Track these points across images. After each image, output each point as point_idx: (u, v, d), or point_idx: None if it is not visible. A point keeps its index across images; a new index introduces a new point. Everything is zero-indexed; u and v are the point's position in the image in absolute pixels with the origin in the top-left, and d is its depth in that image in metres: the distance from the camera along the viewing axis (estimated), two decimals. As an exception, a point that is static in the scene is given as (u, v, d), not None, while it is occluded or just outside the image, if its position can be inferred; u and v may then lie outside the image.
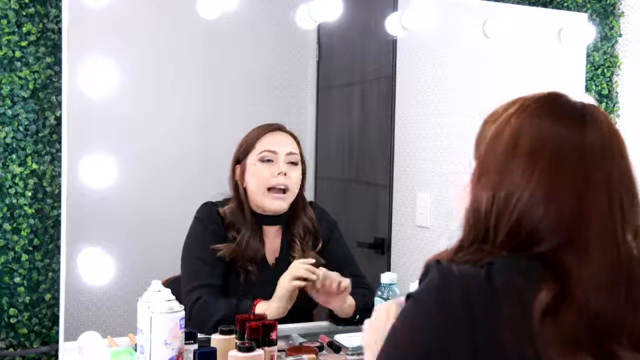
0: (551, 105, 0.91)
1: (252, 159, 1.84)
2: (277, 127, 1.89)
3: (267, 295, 1.72)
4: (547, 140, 0.87)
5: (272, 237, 1.88)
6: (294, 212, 1.88)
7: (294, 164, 1.85)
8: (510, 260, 0.84)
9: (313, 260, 1.72)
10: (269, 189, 1.81)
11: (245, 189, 1.84)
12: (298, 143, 1.89)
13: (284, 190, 1.82)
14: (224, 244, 1.80)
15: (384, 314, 1.06)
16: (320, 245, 1.90)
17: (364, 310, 1.77)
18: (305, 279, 1.67)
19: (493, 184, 0.88)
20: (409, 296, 0.88)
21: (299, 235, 1.87)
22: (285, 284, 1.68)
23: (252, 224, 1.83)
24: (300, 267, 1.69)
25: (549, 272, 0.82)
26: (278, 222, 1.87)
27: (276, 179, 1.80)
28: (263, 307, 1.68)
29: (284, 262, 1.83)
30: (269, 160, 1.82)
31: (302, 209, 1.89)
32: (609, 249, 0.84)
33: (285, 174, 1.81)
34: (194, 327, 1.55)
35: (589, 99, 0.93)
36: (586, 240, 0.84)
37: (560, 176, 0.86)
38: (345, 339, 1.69)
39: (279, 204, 1.82)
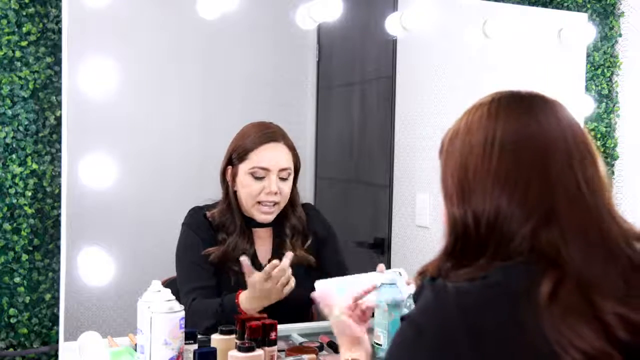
0: (498, 99, 0.93)
1: (243, 169, 1.81)
2: (273, 138, 1.82)
3: None
4: (497, 125, 0.89)
5: (264, 239, 1.88)
6: (284, 214, 1.87)
7: (286, 178, 1.83)
8: (505, 269, 0.84)
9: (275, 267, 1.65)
10: (259, 202, 1.81)
11: (235, 192, 1.84)
12: (293, 151, 1.86)
13: (274, 204, 1.82)
14: (213, 247, 1.80)
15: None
16: (309, 242, 1.89)
17: None
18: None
19: (458, 184, 0.90)
20: (403, 318, 0.88)
21: (288, 236, 1.87)
22: (274, 295, 1.65)
23: (241, 225, 1.83)
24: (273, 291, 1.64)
25: (544, 262, 0.83)
26: (268, 225, 1.87)
27: (267, 196, 1.80)
28: (244, 295, 1.67)
29: None
30: (260, 177, 1.80)
31: (292, 209, 1.89)
32: (580, 214, 0.86)
33: (275, 193, 1.80)
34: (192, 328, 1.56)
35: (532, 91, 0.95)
36: (560, 211, 0.85)
37: (519, 151, 0.87)
38: None
39: (266, 217, 1.83)
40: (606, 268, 0.84)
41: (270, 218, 1.83)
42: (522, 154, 0.87)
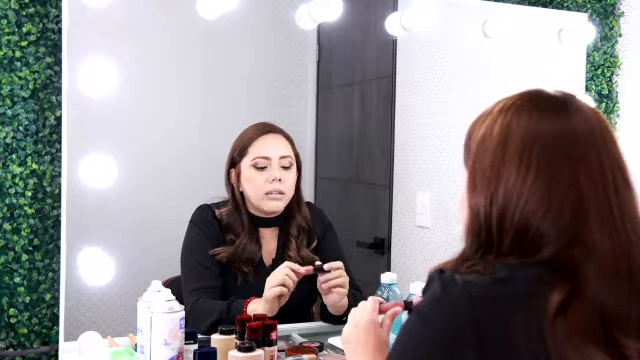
0: (534, 101, 0.91)
1: (245, 164, 1.83)
2: (270, 129, 1.86)
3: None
4: (536, 135, 0.87)
5: (269, 239, 1.88)
6: (289, 212, 1.88)
7: (288, 167, 1.84)
8: (518, 267, 0.83)
9: (294, 266, 1.69)
10: (266, 193, 1.82)
11: (242, 193, 1.84)
12: (291, 143, 1.88)
13: (280, 193, 1.83)
14: (221, 247, 1.80)
15: (357, 319, 1.11)
16: (315, 243, 1.90)
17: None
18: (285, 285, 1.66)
19: (489, 189, 0.87)
20: (411, 309, 0.87)
21: (294, 235, 1.87)
22: (267, 292, 1.66)
23: (249, 226, 1.83)
24: (278, 273, 1.67)
25: (559, 273, 0.81)
26: (274, 224, 1.87)
27: (271, 185, 1.80)
28: (253, 307, 1.68)
29: (280, 263, 1.83)
30: (262, 167, 1.82)
31: (297, 208, 1.89)
32: (609, 238, 0.83)
33: (279, 180, 1.81)
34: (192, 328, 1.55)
35: (567, 90, 0.93)
36: (589, 233, 0.83)
37: (555, 170, 0.84)
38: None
39: (275, 205, 1.83)
40: (630, 299, 0.81)
41: (279, 206, 1.83)
42: (559, 166, 0.84)
